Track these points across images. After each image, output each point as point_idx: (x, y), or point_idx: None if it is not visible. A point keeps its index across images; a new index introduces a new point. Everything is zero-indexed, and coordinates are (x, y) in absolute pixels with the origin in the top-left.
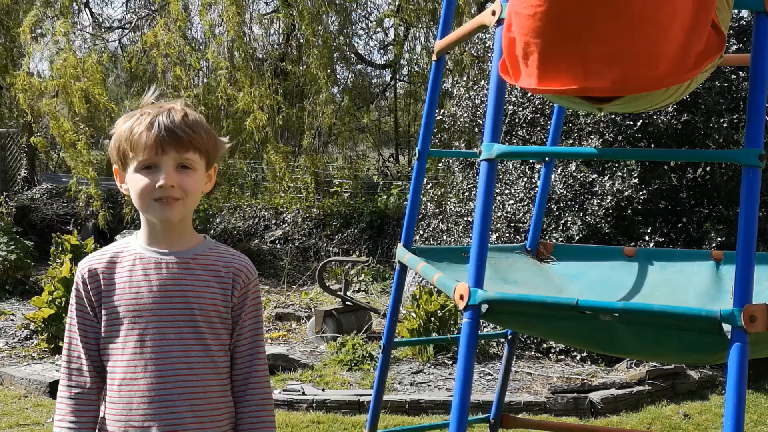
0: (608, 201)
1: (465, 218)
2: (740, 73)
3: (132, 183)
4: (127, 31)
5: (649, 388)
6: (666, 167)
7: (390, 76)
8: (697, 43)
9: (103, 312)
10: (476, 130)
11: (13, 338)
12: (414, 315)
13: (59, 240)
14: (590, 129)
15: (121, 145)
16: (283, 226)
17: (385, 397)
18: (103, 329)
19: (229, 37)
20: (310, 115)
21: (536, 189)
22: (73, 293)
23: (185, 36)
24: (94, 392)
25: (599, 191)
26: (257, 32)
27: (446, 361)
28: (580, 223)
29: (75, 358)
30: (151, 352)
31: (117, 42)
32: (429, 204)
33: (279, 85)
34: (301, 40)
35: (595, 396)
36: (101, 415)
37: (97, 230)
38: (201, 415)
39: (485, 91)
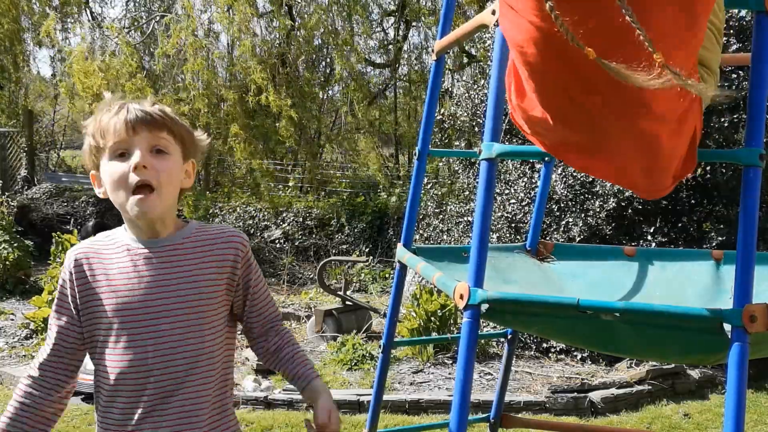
0: (610, 202)
1: (465, 218)
2: (740, 72)
3: (106, 174)
4: (134, 30)
5: (649, 387)
6: None
7: (390, 75)
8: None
9: (90, 308)
10: (476, 129)
11: (13, 338)
12: (414, 314)
13: (60, 239)
14: None
15: (95, 137)
16: (283, 225)
17: (385, 397)
18: (90, 326)
19: (239, 36)
20: (311, 114)
21: (537, 189)
22: (58, 287)
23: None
24: (53, 381)
25: (600, 191)
26: (258, 32)
27: (446, 361)
28: (581, 223)
29: (47, 353)
30: (146, 346)
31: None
32: (429, 204)
33: (280, 85)
34: (301, 40)
35: (595, 395)
36: (99, 418)
37: (97, 230)
38: (194, 403)
39: (485, 91)
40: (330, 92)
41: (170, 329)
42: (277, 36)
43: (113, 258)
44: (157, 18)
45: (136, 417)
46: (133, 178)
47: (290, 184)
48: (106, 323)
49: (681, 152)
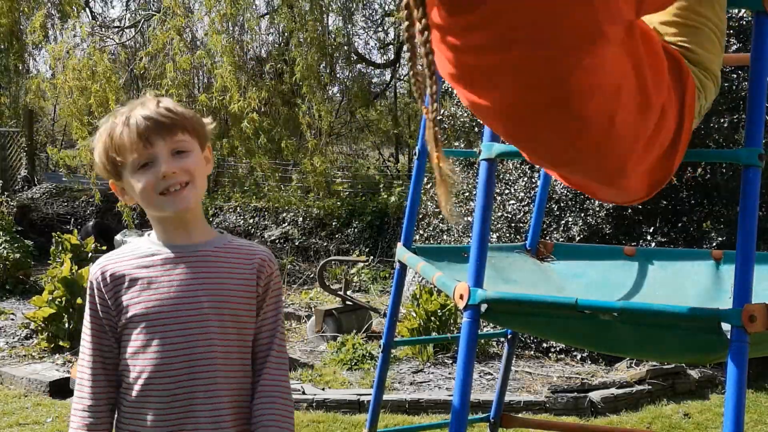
0: None
1: (465, 218)
2: (740, 72)
3: (133, 187)
4: (131, 31)
5: (649, 387)
6: None
7: (390, 75)
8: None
9: (122, 315)
10: (476, 129)
11: (13, 338)
12: (414, 314)
13: (60, 239)
14: None
15: (108, 154)
16: (283, 225)
17: (385, 397)
18: (122, 333)
19: (226, 37)
20: (309, 115)
21: (536, 189)
22: (87, 300)
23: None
24: (104, 402)
25: None
26: (256, 32)
27: (446, 361)
28: (581, 223)
29: (88, 368)
30: (176, 350)
31: (115, 42)
32: (429, 203)
33: (278, 86)
34: (301, 39)
35: (595, 395)
36: (122, 421)
37: (97, 230)
38: (224, 410)
39: None
40: (329, 92)
41: (201, 334)
42: (277, 36)
43: (143, 266)
44: (148, 18)
45: (167, 425)
46: (164, 185)
47: (291, 183)
48: (135, 329)
49: (650, 165)
